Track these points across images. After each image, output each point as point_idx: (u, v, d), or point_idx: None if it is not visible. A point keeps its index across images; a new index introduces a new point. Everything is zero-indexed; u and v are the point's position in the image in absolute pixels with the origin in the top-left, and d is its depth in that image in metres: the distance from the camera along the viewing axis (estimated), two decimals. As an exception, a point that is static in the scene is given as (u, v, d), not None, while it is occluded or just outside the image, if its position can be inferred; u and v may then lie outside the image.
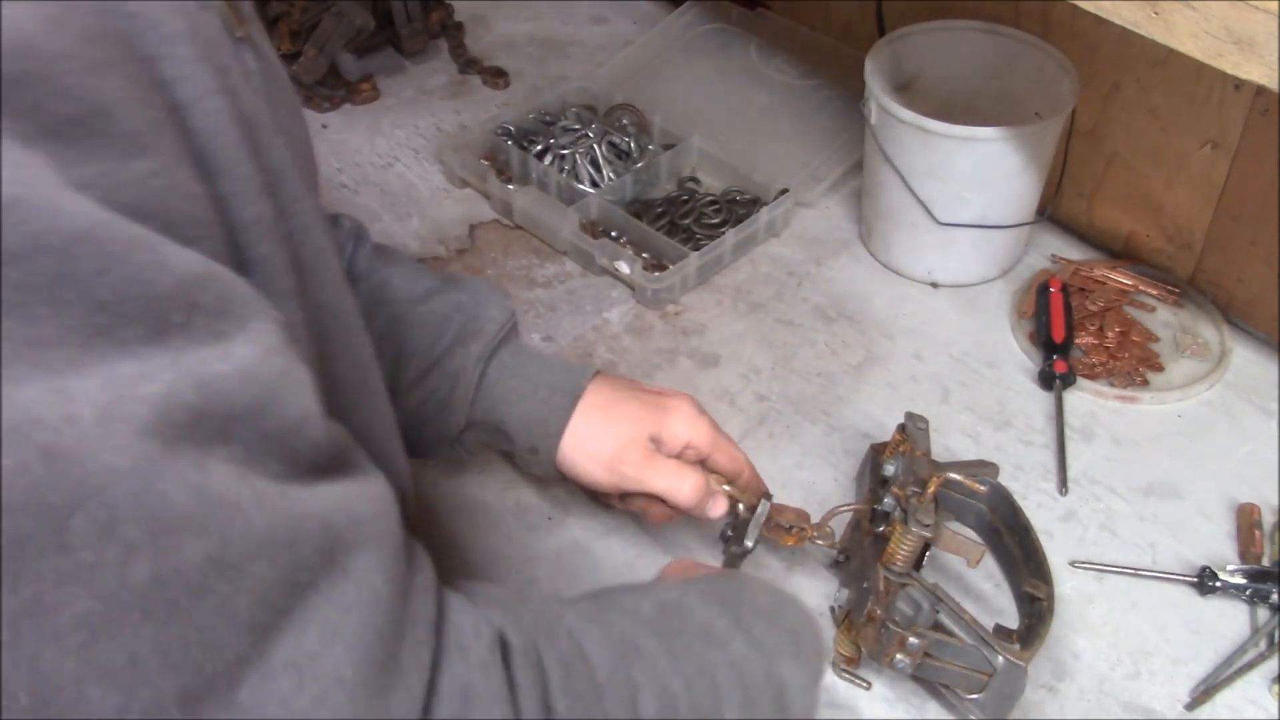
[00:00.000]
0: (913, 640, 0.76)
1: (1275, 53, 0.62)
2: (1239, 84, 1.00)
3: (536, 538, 0.92)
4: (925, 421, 0.90)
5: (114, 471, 0.36)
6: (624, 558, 0.91)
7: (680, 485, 0.81)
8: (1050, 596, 0.81)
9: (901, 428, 0.89)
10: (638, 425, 0.82)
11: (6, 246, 0.35)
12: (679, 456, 0.84)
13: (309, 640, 0.41)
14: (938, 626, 0.77)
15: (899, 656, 0.76)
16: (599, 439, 0.82)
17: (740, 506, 0.85)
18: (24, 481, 0.34)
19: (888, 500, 0.83)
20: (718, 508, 0.83)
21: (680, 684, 0.55)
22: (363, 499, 0.45)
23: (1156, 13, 0.66)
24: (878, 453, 0.90)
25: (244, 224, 0.46)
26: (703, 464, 0.86)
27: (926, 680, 0.81)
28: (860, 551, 0.84)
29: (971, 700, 0.78)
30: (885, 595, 0.78)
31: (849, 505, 0.87)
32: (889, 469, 0.86)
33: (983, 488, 0.86)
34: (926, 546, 0.80)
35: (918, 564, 0.80)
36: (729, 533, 0.87)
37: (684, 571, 0.79)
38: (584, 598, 0.62)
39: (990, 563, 0.87)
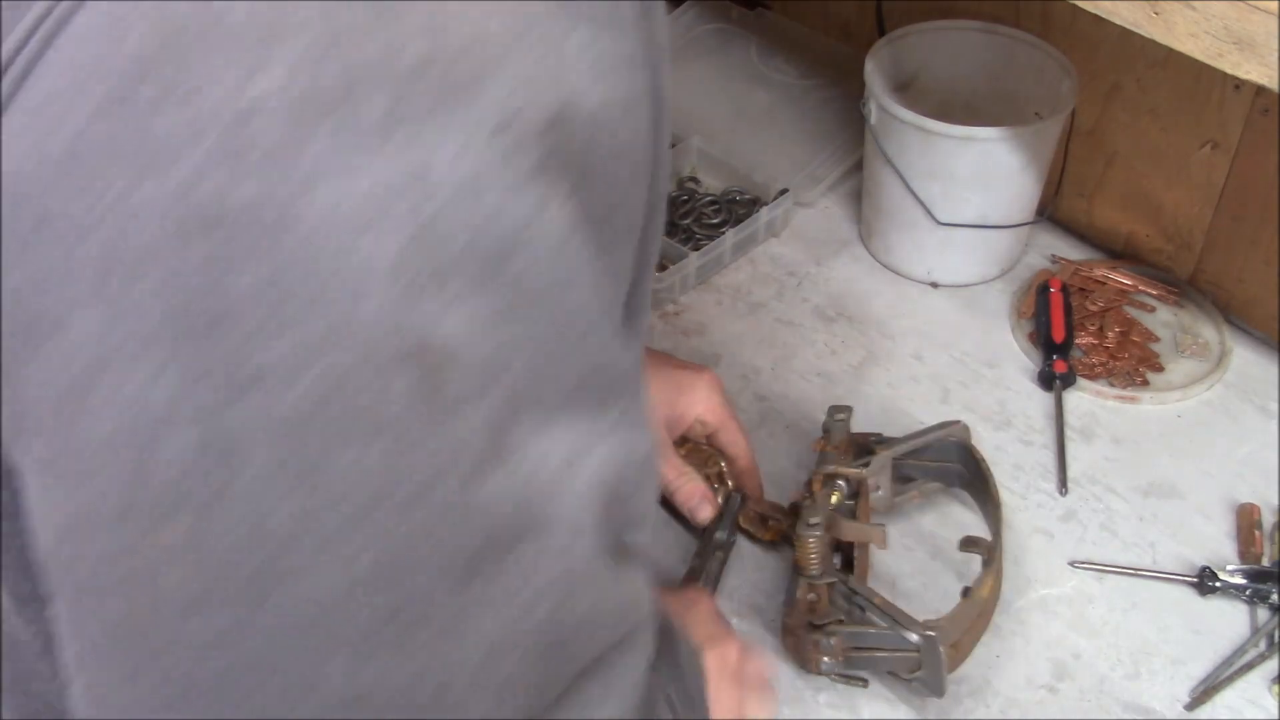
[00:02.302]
0: (827, 641, 0.75)
1: (1275, 53, 0.62)
2: (1239, 84, 1.00)
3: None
4: (847, 411, 0.91)
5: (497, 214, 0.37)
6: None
7: (670, 483, 0.87)
8: (992, 549, 0.82)
9: (824, 428, 0.91)
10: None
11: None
12: (688, 431, 0.90)
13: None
14: (857, 619, 0.77)
15: (824, 659, 0.76)
16: None
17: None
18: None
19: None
20: (704, 512, 0.88)
21: None
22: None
23: (1156, 13, 0.66)
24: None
25: (654, 206, 0.46)
26: (709, 439, 0.91)
27: (857, 675, 0.81)
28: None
29: (917, 680, 0.78)
30: (802, 603, 0.78)
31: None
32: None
33: (946, 453, 0.89)
34: (836, 543, 0.80)
35: (847, 562, 0.81)
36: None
37: None
38: None
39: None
